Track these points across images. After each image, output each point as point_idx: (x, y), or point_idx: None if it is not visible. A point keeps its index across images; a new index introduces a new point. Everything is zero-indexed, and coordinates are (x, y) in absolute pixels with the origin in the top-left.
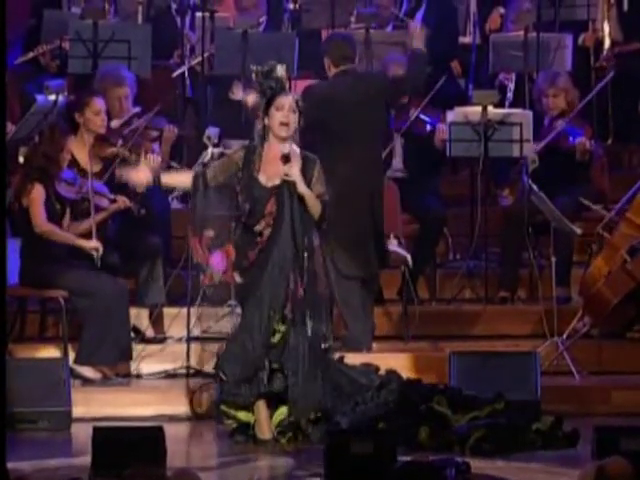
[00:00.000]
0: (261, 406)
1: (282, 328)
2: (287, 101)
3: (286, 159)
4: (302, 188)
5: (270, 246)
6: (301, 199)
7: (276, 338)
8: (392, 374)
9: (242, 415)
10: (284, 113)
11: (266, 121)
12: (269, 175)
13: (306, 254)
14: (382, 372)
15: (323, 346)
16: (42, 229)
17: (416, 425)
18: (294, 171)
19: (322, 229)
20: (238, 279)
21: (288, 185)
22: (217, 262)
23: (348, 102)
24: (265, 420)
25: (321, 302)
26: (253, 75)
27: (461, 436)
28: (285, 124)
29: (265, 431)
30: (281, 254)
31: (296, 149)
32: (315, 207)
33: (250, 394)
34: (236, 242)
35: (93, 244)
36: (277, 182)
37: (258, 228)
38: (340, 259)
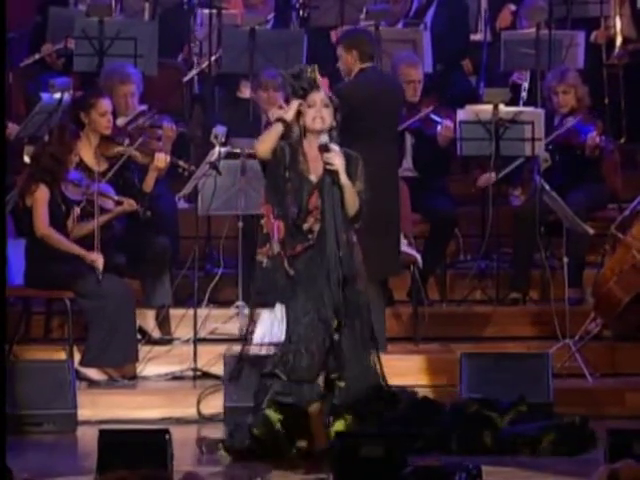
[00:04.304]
0: (315, 413)
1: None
2: (319, 97)
3: (325, 149)
4: (344, 178)
5: (321, 242)
6: (341, 191)
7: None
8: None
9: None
10: (317, 108)
11: (301, 121)
12: (318, 174)
13: (347, 251)
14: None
15: (373, 350)
16: (42, 232)
17: (472, 430)
18: (337, 160)
19: (355, 227)
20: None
21: (330, 175)
22: (277, 231)
23: (375, 100)
24: (320, 429)
25: (362, 302)
26: (284, 79)
27: (531, 439)
28: (319, 117)
29: (322, 440)
30: (330, 250)
31: (335, 147)
32: (353, 202)
33: (306, 396)
34: (286, 237)
35: (93, 256)
36: (319, 174)
37: (307, 226)
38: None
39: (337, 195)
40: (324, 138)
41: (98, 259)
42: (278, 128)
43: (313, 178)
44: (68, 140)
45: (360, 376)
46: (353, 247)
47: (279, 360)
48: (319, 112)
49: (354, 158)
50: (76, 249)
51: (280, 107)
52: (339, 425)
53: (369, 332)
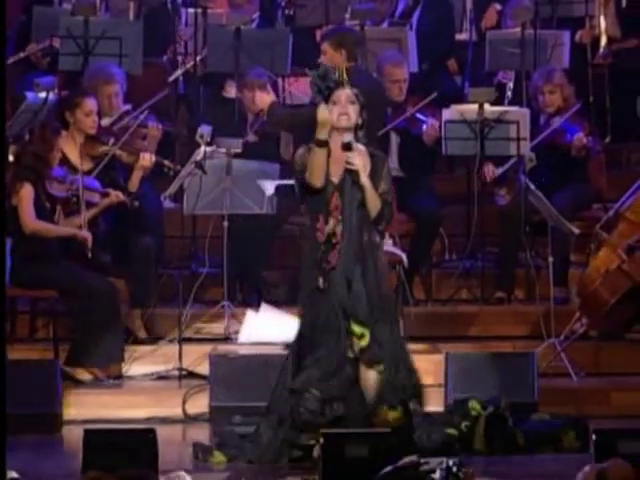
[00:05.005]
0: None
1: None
2: (344, 93)
3: (347, 147)
4: (364, 179)
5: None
6: (361, 191)
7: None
8: None
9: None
10: (342, 104)
11: None
12: (339, 175)
13: (370, 253)
14: None
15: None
16: (32, 228)
17: (498, 430)
18: (357, 160)
19: (379, 229)
20: (321, 284)
21: (350, 175)
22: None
23: (366, 98)
24: None
25: (388, 304)
26: (310, 79)
27: (552, 437)
28: (344, 114)
29: None
30: (348, 251)
31: (361, 146)
32: (374, 202)
33: (331, 414)
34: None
35: (85, 234)
36: (340, 174)
37: (328, 228)
38: None
39: (358, 195)
40: (348, 137)
41: (88, 237)
42: (322, 154)
43: (335, 180)
44: (49, 137)
45: (402, 373)
46: (376, 247)
47: (307, 377)
48: (344, 108)
49: (380, 158)
50: (66, 231)
51: (268, 93)
52: (392, 414)
53: (399, 333)
